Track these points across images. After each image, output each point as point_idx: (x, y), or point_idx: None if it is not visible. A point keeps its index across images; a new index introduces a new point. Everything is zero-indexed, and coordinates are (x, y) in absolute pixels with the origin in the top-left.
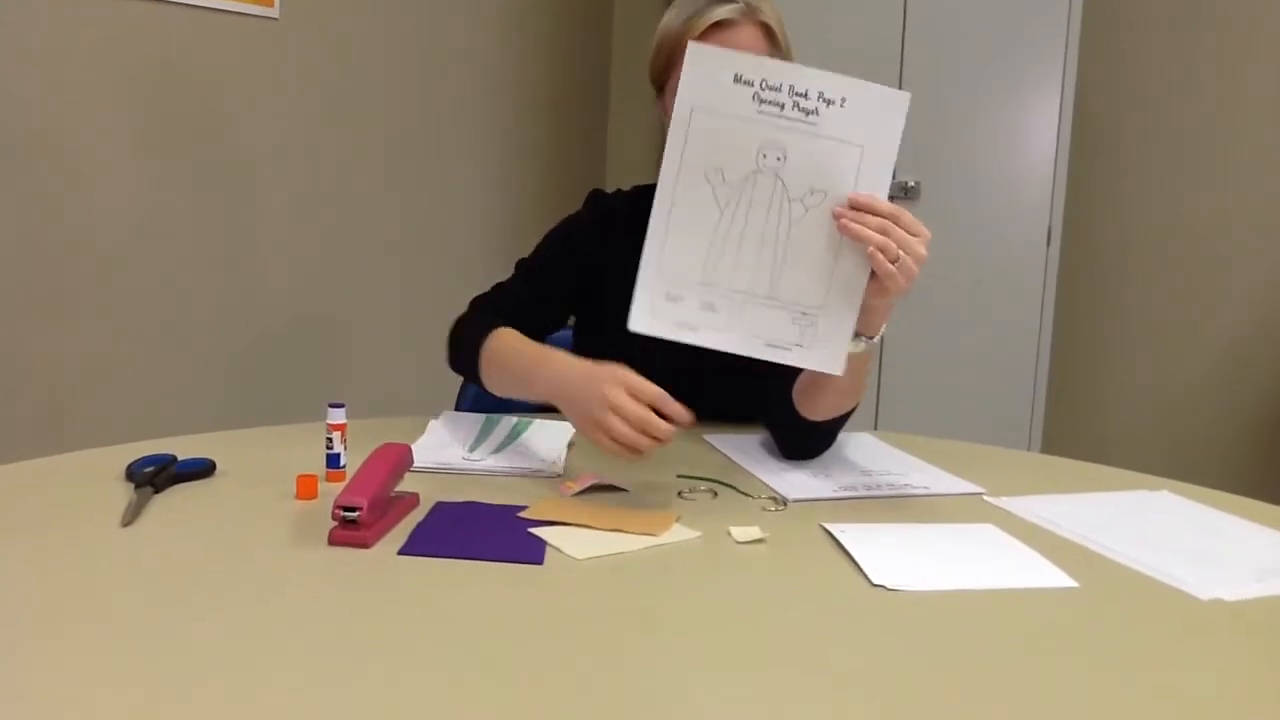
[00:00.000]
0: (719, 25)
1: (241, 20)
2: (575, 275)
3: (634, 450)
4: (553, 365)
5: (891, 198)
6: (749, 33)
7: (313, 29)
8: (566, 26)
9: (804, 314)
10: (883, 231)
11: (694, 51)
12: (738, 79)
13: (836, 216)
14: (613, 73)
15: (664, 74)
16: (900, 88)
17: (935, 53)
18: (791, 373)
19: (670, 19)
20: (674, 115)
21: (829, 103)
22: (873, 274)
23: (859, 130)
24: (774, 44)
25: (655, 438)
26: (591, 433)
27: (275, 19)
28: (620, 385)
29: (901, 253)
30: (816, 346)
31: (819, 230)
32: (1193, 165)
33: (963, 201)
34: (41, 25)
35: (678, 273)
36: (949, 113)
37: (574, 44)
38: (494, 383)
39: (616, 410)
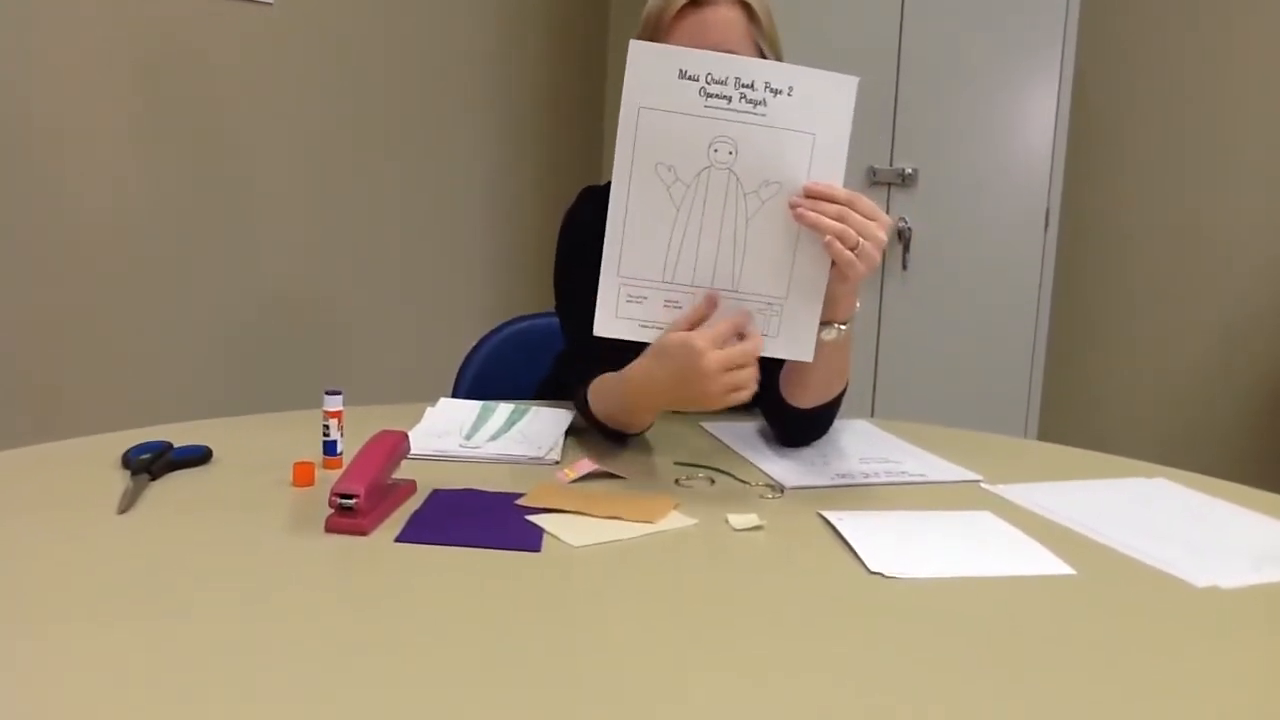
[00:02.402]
0: (696, 3)
1: (236, 7)
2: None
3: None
4: (641, 384)
5: (888, 183)
6: (727, 11)
7: (308, 16)
8: (563, 9)
9: (769, 304)
10: (839, 218)
11: (636, 50)
12: (682, 74)
13: (792, 206)
14: (609, 61)
15: None
16: (898, 74)
17: (933, 37)
18: (779, 360)
19: (653, 1)
20: (621, 116)
21: (776, 92)
22: (834, 261)
23: (809, 118)
24: (754, 22)
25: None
26: (730, 400)
27: (270, 3)
28: (702, 350)
29: (860, 239)
30: (784, 335)
31: (776, 222)
32: (1193, 149)
33: (960, 186)
34: (33, 11)
35: (638, 273)
36: (947, 97)
37: (571, 20)
38: (630, 428)
39: (726, 365)
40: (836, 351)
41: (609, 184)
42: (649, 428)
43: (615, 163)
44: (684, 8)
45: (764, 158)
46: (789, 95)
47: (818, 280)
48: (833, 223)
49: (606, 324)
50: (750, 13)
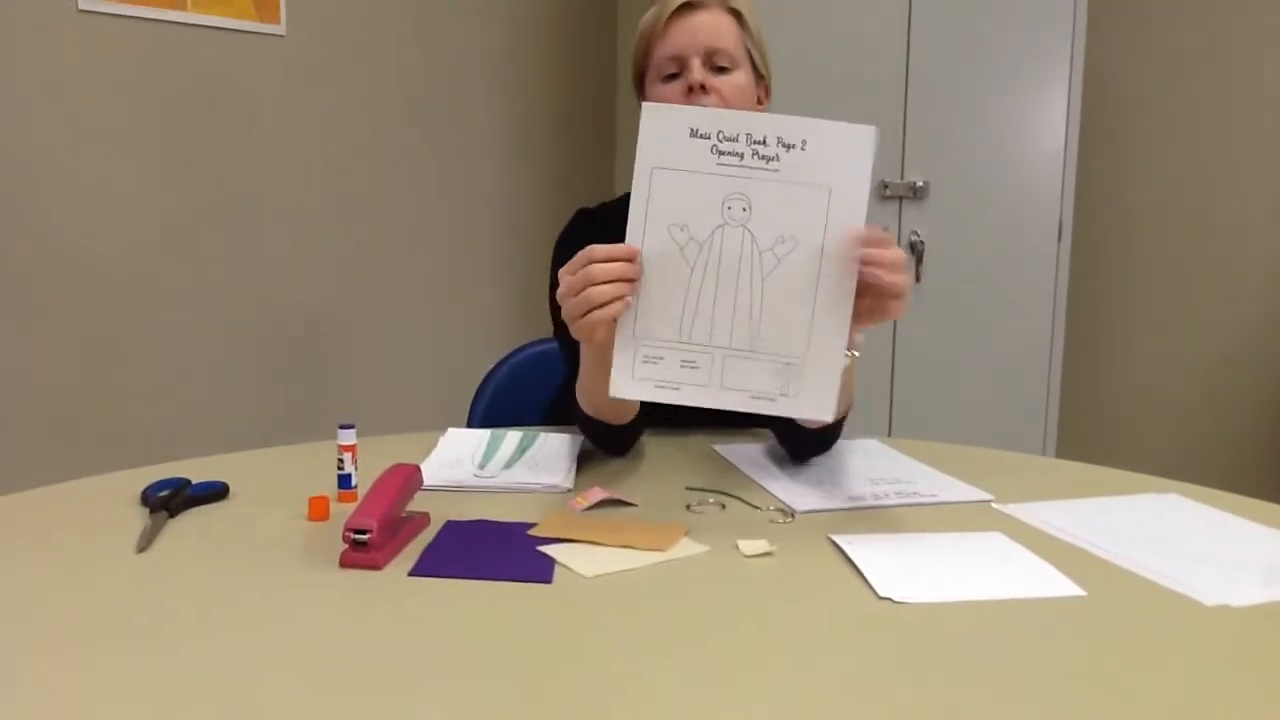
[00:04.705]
0: (688, 7)
1: (249, 38)
2: None
3: (616, 298)
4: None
5: (900, 196)
6: (719, 15)
7: (320, 43)
8: (572, 33)
9: (788, 364)
10: (894, 269)
11: (649, 111)
12: (694, 133)
13: (865, 262)
14: (619, 76)
15: (642, 65)
16: (907, 86)
17: (941, 49)
18: None
19: (646, 15)
20: (635, 177)
21: (789, 147)
22: (864, 304)
23: (824, 171)
24: (744, 29)
25: (620, 279)
26: (578, 329)
27: (282, 35)
28: (563, 273)
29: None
30: (804, 394)
31: (793, 279)
32: (1206, 159)
33: (972, 198)
34: (56, 44)
35: (654, 334)
36: (957, 109)
37: (580, 51)
38: (612, 413)
39: (572, 289)
40: (845, 376)
41: (601, 205)
42: (634, 417)
43: (629, 223)
44: (678, 9)
45: (778, 214)
46: (803, 149)
47: (839, 333)
48: (899, 279)
49: (623, 385)
50: (740, 19)
